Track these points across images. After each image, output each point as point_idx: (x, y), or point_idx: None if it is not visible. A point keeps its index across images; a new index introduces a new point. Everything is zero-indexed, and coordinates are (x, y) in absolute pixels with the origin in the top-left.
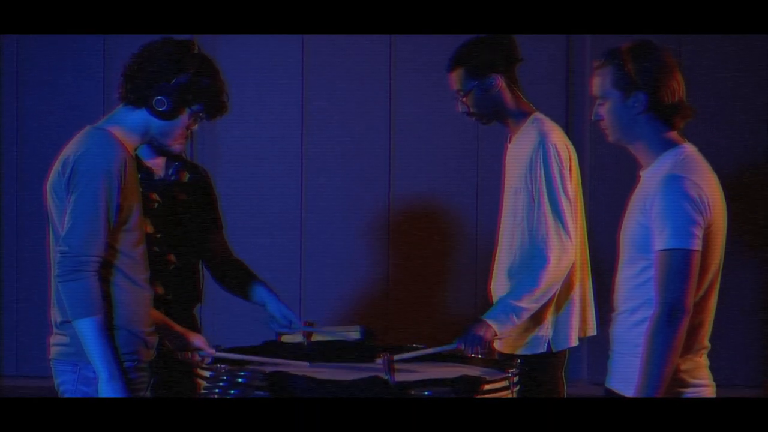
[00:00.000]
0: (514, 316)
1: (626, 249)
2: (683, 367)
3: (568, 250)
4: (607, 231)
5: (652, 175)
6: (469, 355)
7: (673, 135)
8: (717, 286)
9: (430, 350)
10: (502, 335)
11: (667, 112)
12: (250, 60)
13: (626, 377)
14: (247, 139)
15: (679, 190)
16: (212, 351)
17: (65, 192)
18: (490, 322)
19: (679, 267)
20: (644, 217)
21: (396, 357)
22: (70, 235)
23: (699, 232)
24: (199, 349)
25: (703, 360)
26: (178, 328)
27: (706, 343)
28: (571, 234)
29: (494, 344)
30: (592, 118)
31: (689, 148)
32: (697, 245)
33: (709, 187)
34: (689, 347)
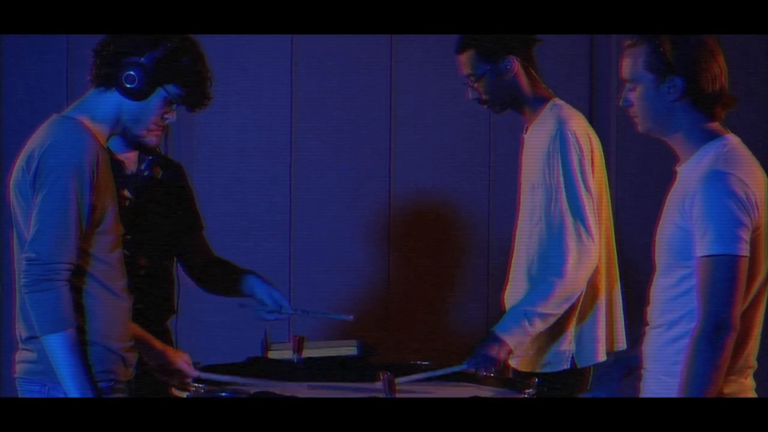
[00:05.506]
0: (527, 323)
1: (662, 255)
2: (727, 390)
3: (590, 251)
4: (637, 232)
5: (690, 171)
6: (480, 375)
7: (714, 126)
8: (765, 296)
9: (436, 372)
10: (518, 350)
11: (707, 101)
12: (234, 45)
13: None
14: (230, 129)
15: (723, 187)
16: (196, 373)
17: (31, 191)
18: (502, 336)
19: (724, 275)
20: (683, 218)
21: (399, 380)
22: (37, 239)
23: (746, 235)
24: (180, 371)
25: (749, 381)
26: (158, 344)
27: (753, 362)
28: (592, 233)
29: (510, 362)
30: (620, 104)
31: (733, 140)
32: (745, 250)
33: (756, 185)
34: (733, 367)
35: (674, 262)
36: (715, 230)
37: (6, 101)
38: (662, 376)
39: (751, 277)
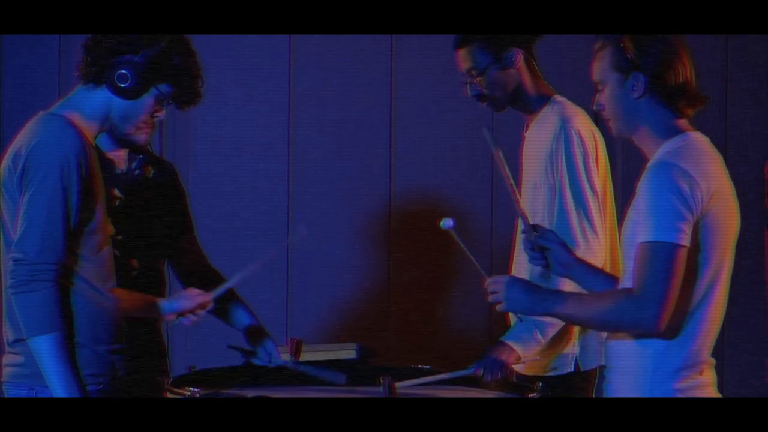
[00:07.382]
0: (539, 333)
1: (621, 249)
2: (679, 386)
3: (595, 250)
4: None
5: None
6: (487, 381)
7: (681, 123)
8: (720, 292)
9: (442, 376)
10: (527, 358)
11: (672, 96)
12: (232, 45)
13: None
14: (226, 128)
15: (665, 178)
16: (210, 296)
17: (17, 190)
18: (511, 344)
19: (661, 262)
20: (635, 211)
21: (401, 384)
22: (23, 239)
23: (686, 227)
24: (203, 305)
25: (707, 377)
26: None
27: (707, 356)
28: (598, 232)
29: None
30: (594, 108)
31: (695, 136)
32: (683, 240)
33: (704, 178)
34: (684, 364)
35: (628, 254)
36: (654, 218)
37: (3, 100)
38: (627, 376)
39: (698, 270)
